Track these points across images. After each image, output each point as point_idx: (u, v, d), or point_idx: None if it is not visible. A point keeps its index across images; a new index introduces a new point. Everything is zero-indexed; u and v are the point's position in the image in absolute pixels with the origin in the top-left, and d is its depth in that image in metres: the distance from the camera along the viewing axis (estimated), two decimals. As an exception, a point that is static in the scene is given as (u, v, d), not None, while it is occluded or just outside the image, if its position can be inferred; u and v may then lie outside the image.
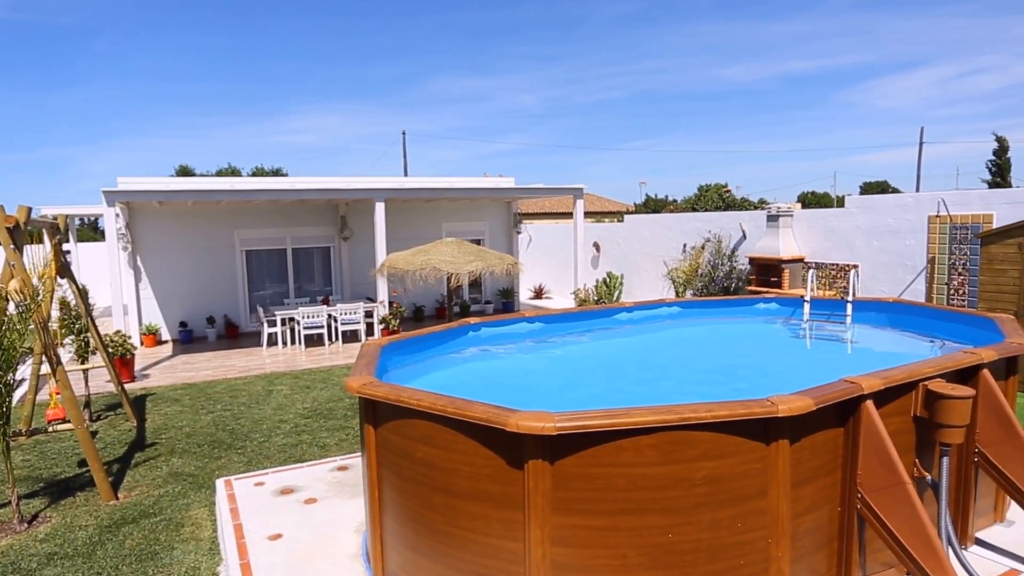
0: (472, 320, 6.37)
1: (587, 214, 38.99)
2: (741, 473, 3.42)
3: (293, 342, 14.69)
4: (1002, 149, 46.44)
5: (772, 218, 13.61)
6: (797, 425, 3.51)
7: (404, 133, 44.82)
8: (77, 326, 8.91)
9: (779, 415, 3.33)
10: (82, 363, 9.17)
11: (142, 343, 14.31)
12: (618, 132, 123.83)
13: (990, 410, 4.37)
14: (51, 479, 6.94)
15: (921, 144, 46.89)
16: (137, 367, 12.15)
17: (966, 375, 4.35)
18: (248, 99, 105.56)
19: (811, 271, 8.04)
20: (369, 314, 15.10)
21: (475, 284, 18.78)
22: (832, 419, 3.75)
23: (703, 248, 15.85)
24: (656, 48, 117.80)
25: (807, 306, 6.96)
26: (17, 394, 8.76)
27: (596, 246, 20.29)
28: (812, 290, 7.07)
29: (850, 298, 6.78)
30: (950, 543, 4.11)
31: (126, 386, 10.06)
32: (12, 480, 5.82)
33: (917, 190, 41.83)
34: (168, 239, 15.57)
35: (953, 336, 5.76)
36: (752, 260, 13.98)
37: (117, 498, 6.37)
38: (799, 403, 3.39)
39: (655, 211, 44.35)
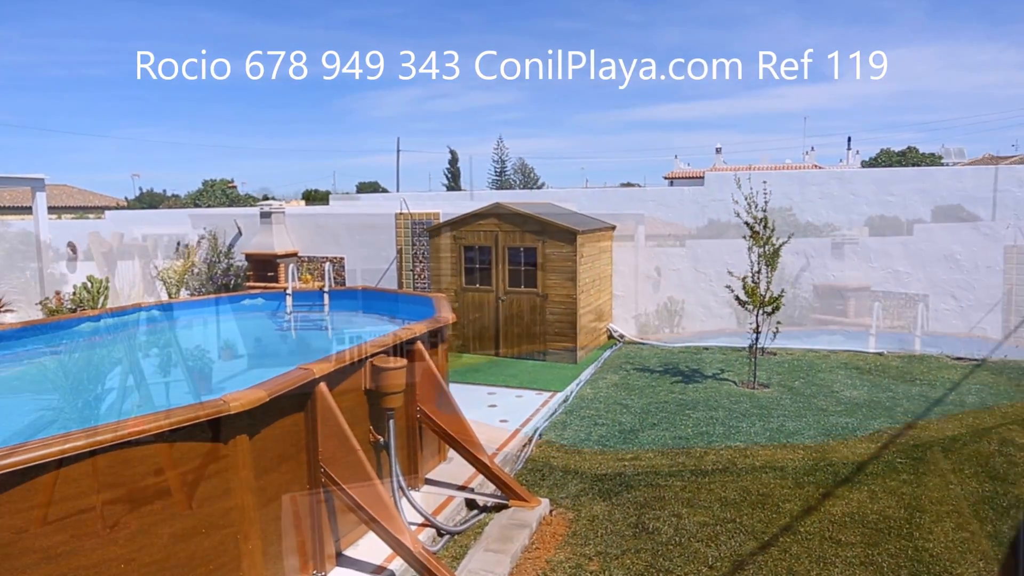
0: None
1: (67, 209, 33.05)
2: (200, 478, 3.40)
3: None
4: (454, 160, 58.33)
5: (265, 215, 13.84)
6: (255, 418, 3.64)
7: None
8: None
9: (232, 412, 3.41)
10: None
11: None
12: (106, 116, 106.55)
13: (424, 374, 5.33)
14: None
15: (399, 151, 55.06)
16: None
17: (405, 347, 5.20)
18: None
19: (291, 266, 8.49)
20: None
21: None
22: (291, 405, 4.02)
23: (198, 245, 15.12)
24: (139, 28, 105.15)
25: (289, 299, 7.31)
26: None
27: (72, 247, 17.36)
28: (292, 284, 7.47)
29: (327, 288, 7.39)
30: (401, 489, 4.89)
31: None
32: None
33: (398, 190, 48.00)
34: None
35: (407, 315, 6.80)
36: (249, 256, 14.00)
37: None
38: (252, 396, 3.53)
39: (152, 206, 40.30)
